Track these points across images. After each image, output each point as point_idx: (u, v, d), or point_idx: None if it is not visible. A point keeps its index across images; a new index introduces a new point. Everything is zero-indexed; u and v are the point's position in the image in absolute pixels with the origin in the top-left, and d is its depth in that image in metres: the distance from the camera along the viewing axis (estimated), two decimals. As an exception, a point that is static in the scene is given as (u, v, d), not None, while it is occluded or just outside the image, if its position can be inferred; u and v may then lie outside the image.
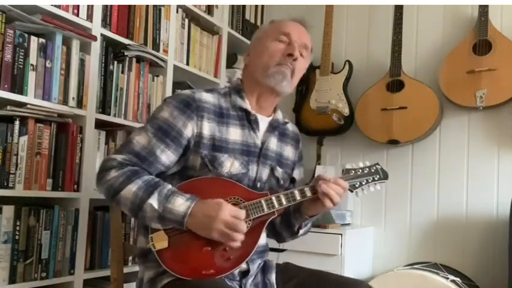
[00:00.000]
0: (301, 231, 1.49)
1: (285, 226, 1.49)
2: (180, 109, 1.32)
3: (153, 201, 1.22)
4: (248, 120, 1.41)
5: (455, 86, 2.34)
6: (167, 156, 1.31)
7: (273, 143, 1.46)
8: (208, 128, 1.33)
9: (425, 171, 2.54)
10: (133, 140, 1.31)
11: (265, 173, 1.42)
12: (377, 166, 1.45)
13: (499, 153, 2.39)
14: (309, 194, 1.35)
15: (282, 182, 1.46)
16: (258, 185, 1.39)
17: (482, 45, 2.29)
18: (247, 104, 1.41)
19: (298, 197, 1.34)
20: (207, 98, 1.37)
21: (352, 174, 1.41)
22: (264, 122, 1.45)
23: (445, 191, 2.49)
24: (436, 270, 2.22)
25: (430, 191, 2.53)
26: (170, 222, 1.23)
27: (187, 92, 1.37)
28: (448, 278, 2.15)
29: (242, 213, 1.24)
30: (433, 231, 2.50)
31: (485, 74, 2.25)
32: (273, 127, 1.46)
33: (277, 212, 1.32)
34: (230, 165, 1.33)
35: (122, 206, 1.27)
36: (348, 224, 2.54)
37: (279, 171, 1.46)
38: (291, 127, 1.56)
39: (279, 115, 1.50)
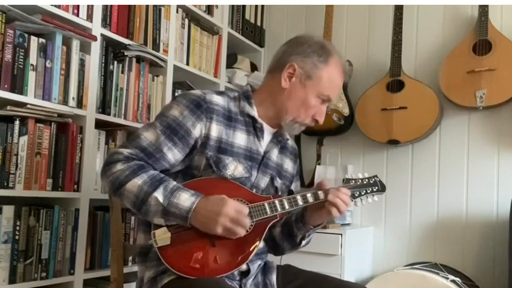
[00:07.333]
0: (303, 242, 1.49)
1: (286, 237, 1.49)
2: (190, 109, 1.33)
3: (158, 194, 1.22)
4: (254, 128, 1.42)
5: (455, 86, 2.34)
6: (173, 155, 1.31)
7: (275, 154, 1.48)
8: (216, 130, 1.34)
9: (425, 171, 2.54)
10: (141, 136, 1.31)
11: (263, 182, 1.43)
12: (376, 178, 1.49)
13: (499, 153, 2.38)
14: (311, 200, 1.36)
15: (280, 192, 1.47)
16: (254, 191, 1.38)
17: (482, 45, 2.28)
18: (254, 112, 1.42)
19: (300, 202, 1.35)
20: (218, 100, 1.38)
21: (352, 184, 1.44)
22: (269, 132, 1.46)
23: (445, 191, 2.49)
24: (436, 270, 2.22)
25: (430, 191, 2.52)
26: (174, 216, 1.22)
27: (198, 92, 1.38)
28: (448, 278, 2.15)
29: (245, 208, 1.24)
30: (433, 231, 2.50)
31: (485, 74, 2.25)
32: (278, 140, 1.48)
33: (279, 216, 1.33)
34: (234, 168, 1.34)
35: (125, 199, 1.26)
36: (348, 224, 2.54)
37: (279, 182, 1.47)
38: (290, 142, 1.58)
39: (284, 131, 1.51)
